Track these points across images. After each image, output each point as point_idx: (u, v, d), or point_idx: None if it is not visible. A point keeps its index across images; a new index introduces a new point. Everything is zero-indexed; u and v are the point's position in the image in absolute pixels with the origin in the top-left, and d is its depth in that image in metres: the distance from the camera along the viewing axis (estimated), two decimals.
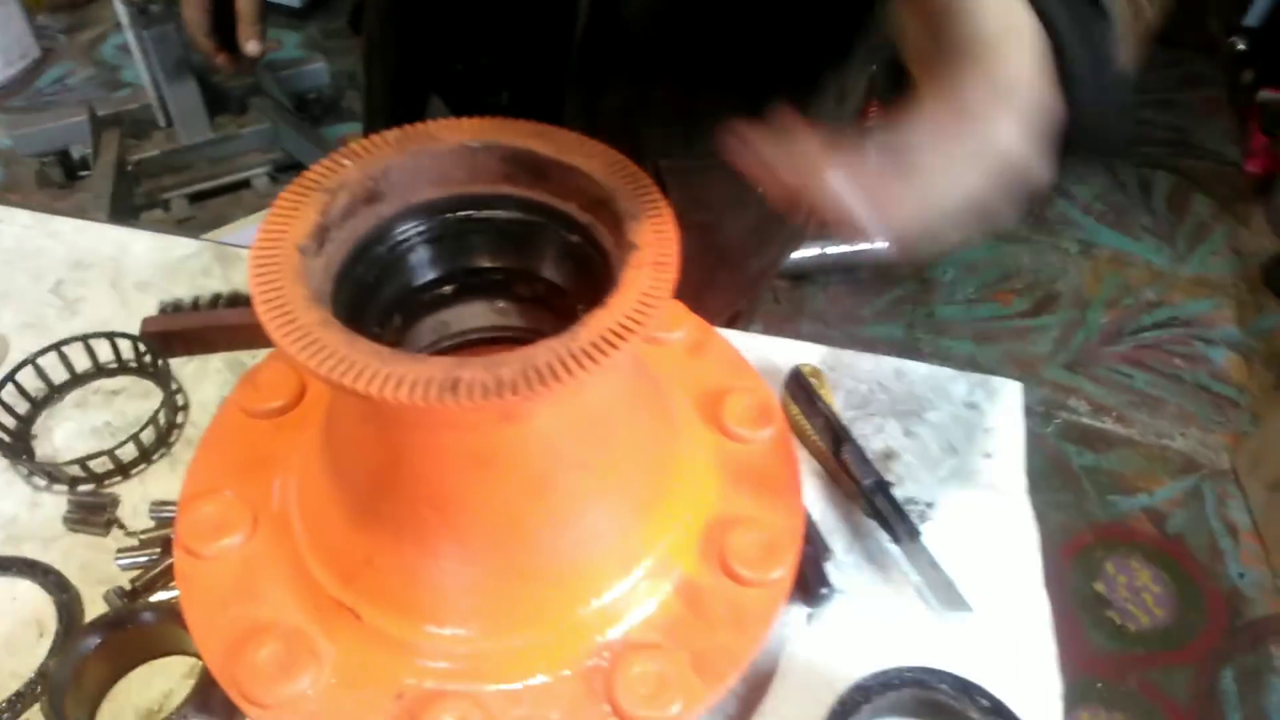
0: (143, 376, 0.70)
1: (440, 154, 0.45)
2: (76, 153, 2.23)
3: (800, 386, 0.69)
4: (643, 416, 0.48)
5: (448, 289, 0.49)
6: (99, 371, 0.70)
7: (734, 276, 0.87)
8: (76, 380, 0.70)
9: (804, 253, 2.14)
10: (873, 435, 0.69)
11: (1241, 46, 2.86)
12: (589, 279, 0.47)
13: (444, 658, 0.45)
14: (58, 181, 2.23)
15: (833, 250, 2.16)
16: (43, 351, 0.68)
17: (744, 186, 0.78)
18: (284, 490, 0.51)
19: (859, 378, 0.73)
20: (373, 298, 0.46)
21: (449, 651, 0.45)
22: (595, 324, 0.38)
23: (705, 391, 0.58)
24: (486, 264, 0.49)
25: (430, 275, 0.48)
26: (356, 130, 2.50)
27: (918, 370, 0.74)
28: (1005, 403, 0.72)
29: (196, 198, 2.20)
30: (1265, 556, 1.69)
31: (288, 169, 2.30)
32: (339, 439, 0.46)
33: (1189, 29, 3.08)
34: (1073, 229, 2.34)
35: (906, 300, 2.14)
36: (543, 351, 0.37)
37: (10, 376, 0.66)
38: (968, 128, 0.35)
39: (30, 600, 0.58)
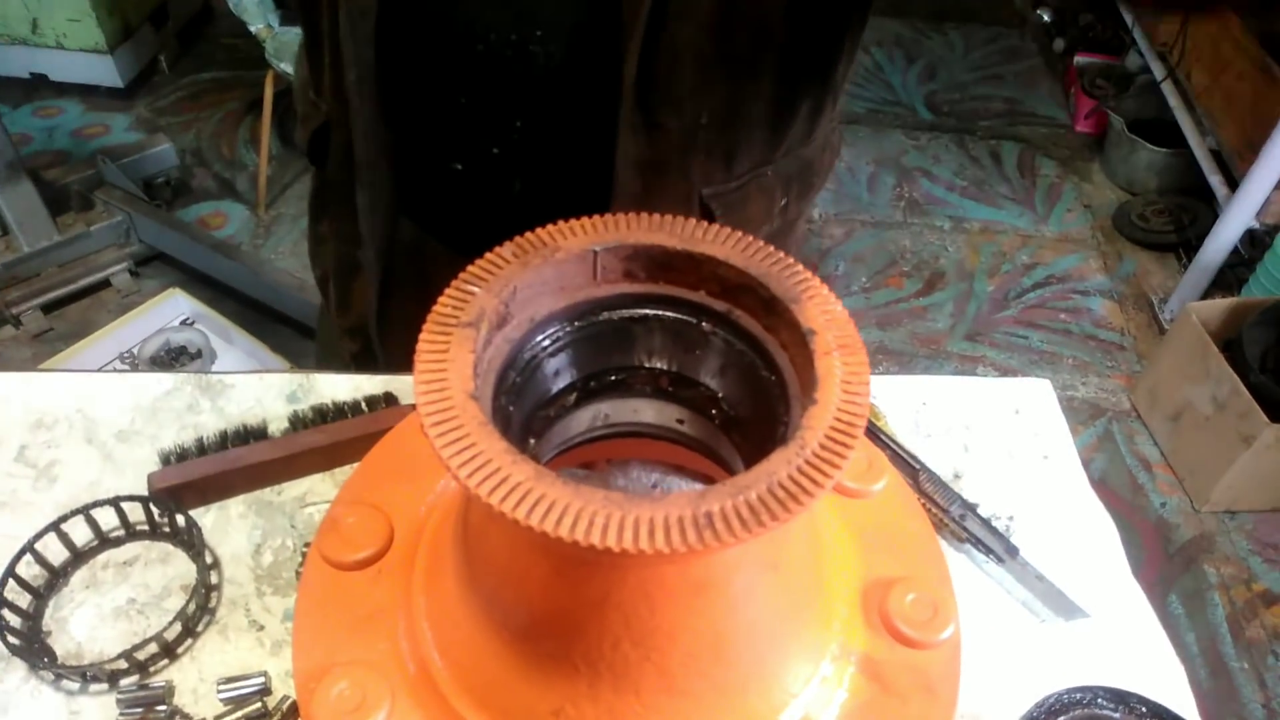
0: (156, 539, 0.62)
1: (562, 263, 0.42)
2: None
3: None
4: (811, 590, 0.47)
5: (573, 396, 0.46)
6: (104, 543, 0.62)
7: None
8: (79, 558, 0.61)
9: None
10: (935, 458, 0.69)
11: (1047, 18, 3.10)
12: (729, 366, 0.45)
13: None
14: None
15: None
16: (39, 535, 0.59)
17: (771, 199, 0.78)
18: (415, 648, 0.46)
19: (900, 402, 0.73)
20: (512, 420, 0.43)
21: None
22: (818, 425, 0.36)
23: (872, 580, 0.55)
24: (615, 365, 0.46)
25: (560, 385, 0.45)
26: (212, 210, 2.35)
27: (954, 384, 0.75)
28: (1043, 403, 0.74)
29: (51, 307, 2.00)
30: (1180, 484, 1.83)
31: (148, 260, 2.13)
32: (500, 588, 0.42)
33: (998, 6, 3.31)
34: (941, 207, 2.47)
35: None
36: (781, 465, 0.34)
37: (10, 570, 0.57)
38: None
39: None
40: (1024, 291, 2.23)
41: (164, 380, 0.72)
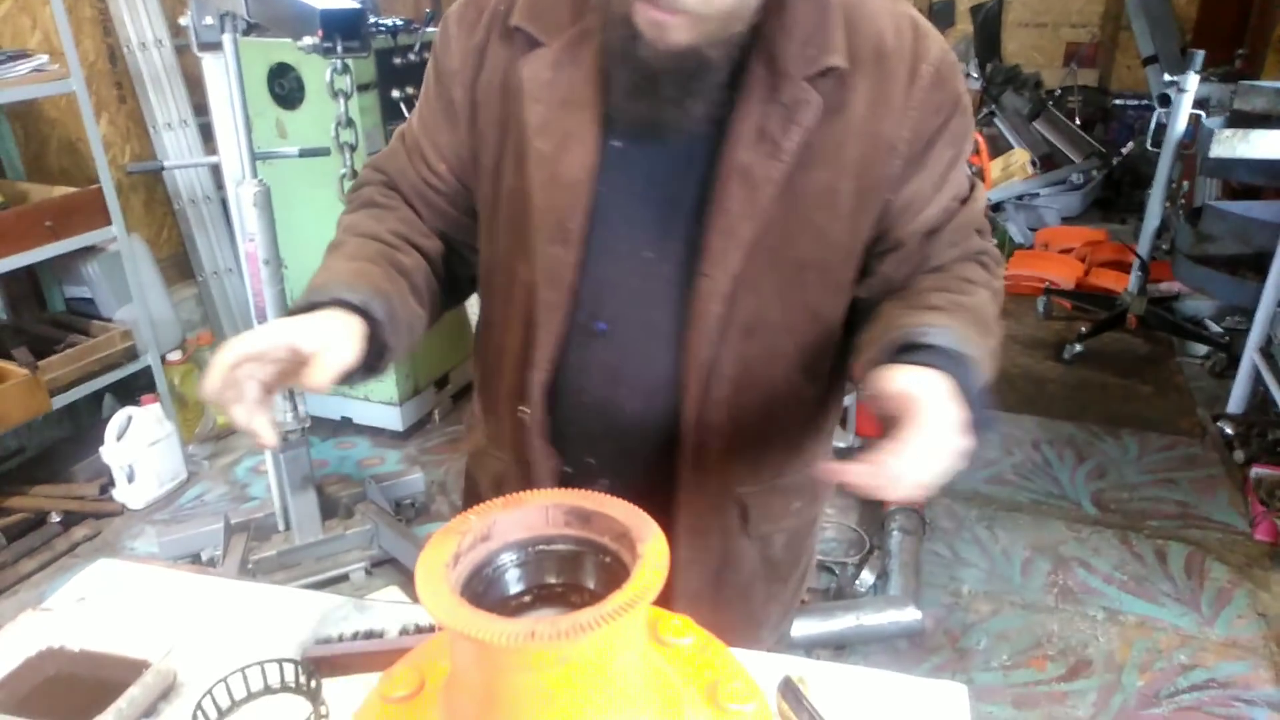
0: (299, 694, 0.95)
1: (527, 510, 0.76)
2: (206, 555, 2.61)
3: (790, 690, 0.91)
4: (653, 692, 0.72)
5: (527, 598, 0.76)
6: (266, 690, 0.95)
7: (782, 589, 1.14)
8: (251, 697, 0.95)
9: (842, 624, 2.32)
10: None
11: (1229, 430, 3.18)
12: (616, 585, 0.74)
13: None
14: None
15: (869, 622, 2.34)
16: (232, 673, 0.94)
17: (786, 501, 1.10)
18: None
19: (836, 685, 0.94)
20: (480, 604, 0.73)
21: None
22: (615, 598, 0.64)
23: (708, 682, 0.80)
24: (552, 580, 0.77)
25: (516, 589, 0.76)
26: (440, 529, 2.87)
27: (879, 675, 0.95)
28: (956, 710, 0.91)
29: None
30: None
31: (382, 564, 2.64)
32: (457, 696, 0.70)
33: (1180, 417, 3.44)
34: (1096, 597, 2.49)
35: (945, 668, 2.26)
36: (585, 613, 0.63)
37: (209, 690, 0.92)
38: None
39: None
40: (1178, 692, 2.16)
41: (335, 599, 1.09)
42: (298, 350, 0.83)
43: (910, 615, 2.32)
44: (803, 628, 2.27)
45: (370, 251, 1.01)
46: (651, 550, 0.70)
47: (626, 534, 0.73)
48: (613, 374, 1.01)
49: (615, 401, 1.02)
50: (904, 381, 0.80)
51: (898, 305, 0.95)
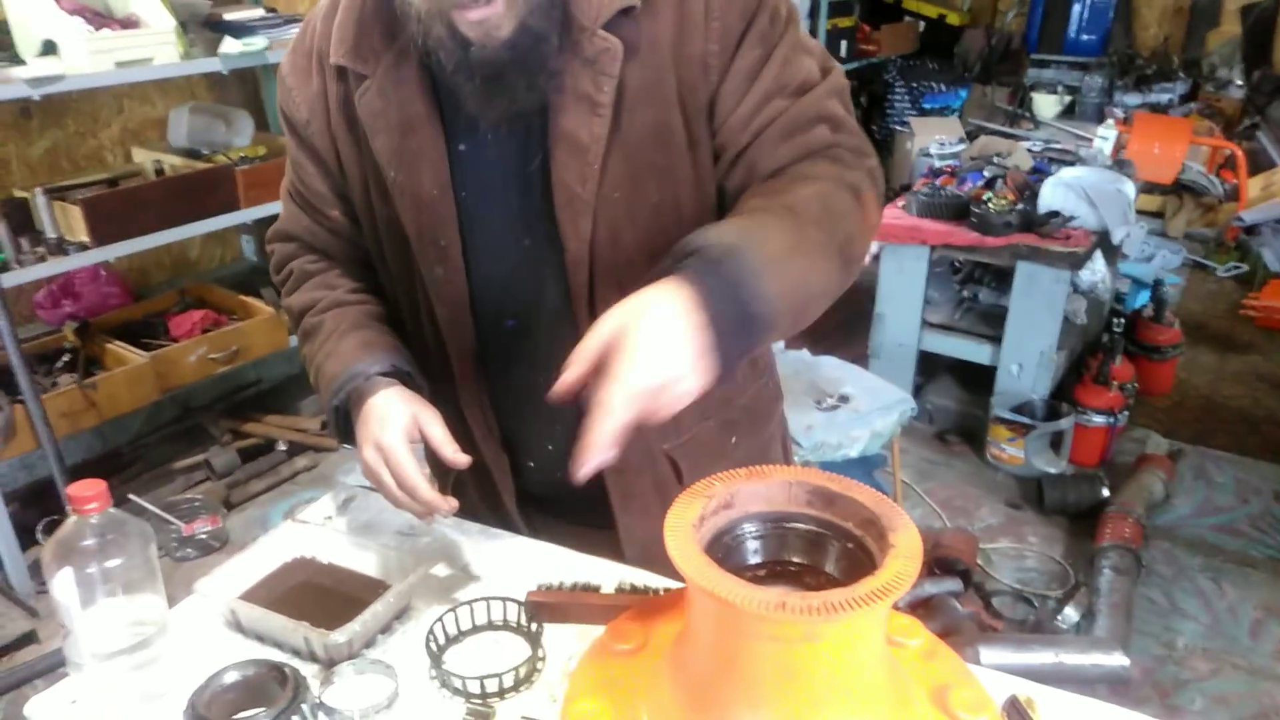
0: (518, 634, 0.99)
1: (769, 485, 0.75)
2: None
3: (1016, 709, 0.86)
4: (886, 686, 0.69)
5: (762, 572, 0.76)
6: (490, 625, 1.00)
7: None
8: (476, 629, 0.99)
9: (1038, 659, 2.18)
10: None
11: None
12: (858, 573, 0.72)
13: None
14: None
15: (1069, 661, 2.19)
16: (461, 604, 0.99)
17: (722, 440, 1.14)
18: (637, 704, 0.75)
19: (1063, 713, 0.88)
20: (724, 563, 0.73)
21: None
22: (868, 583, 0.62)
23: (936, 685, 0.77)
24: (790, 558, 0.75)
25: (754, 560, 0.75)
26: None
27: (1111, 711, 0.88)
28: None
29: None
30: None
31: None
32: (690, 654, 0.71)
33: None
34: None
35: None
36: (838, 593, 0.61)
37: (440, 617, 0.97)
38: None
39: None
40: None
41: (563, 554, 1.13)
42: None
43: (1116, 660, 2.15)
44: (994, 656, 2.15)
45: (352, 319, 1.08)
46: (904, 540, 0.67)
47: (874, 521, 0.70)
48: (537, 361, 1.04)
49: (547, 386, 1.03)
50: (608, 320, 0.77)
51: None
